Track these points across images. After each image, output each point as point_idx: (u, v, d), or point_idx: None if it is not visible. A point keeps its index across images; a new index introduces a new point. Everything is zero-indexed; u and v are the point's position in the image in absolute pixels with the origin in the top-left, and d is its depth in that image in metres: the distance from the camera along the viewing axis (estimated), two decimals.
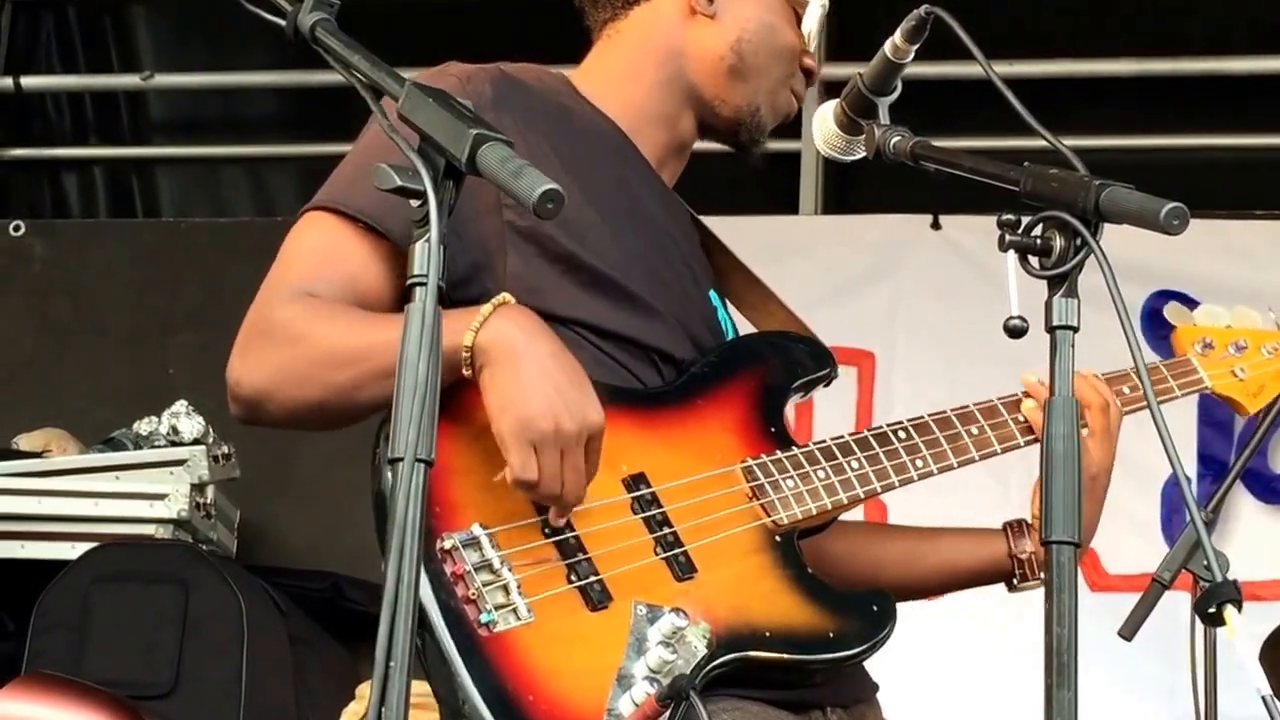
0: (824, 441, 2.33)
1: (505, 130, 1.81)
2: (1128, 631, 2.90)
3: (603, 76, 2.46)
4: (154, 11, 6.26)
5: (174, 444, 4.86)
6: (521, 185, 1.74)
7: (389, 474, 2.04)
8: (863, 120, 2.32)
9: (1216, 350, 2.63)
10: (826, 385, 2.45)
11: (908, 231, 5.29)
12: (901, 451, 2.35)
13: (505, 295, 2.11)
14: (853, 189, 5.69)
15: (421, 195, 1.76)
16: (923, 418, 2.40)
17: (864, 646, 2.20)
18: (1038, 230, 1.96)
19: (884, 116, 2.30)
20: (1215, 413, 4.83)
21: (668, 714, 1.97)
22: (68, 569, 4.49)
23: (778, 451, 2.29)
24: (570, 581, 2.08)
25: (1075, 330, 1.94)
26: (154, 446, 4.87)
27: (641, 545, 2.14)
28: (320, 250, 2.21)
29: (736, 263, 2.57)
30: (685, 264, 2.43)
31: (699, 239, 2.52)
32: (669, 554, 2.15)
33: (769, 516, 2.24)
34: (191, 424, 4.89)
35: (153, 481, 4.73)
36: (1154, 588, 2.85)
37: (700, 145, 2.53)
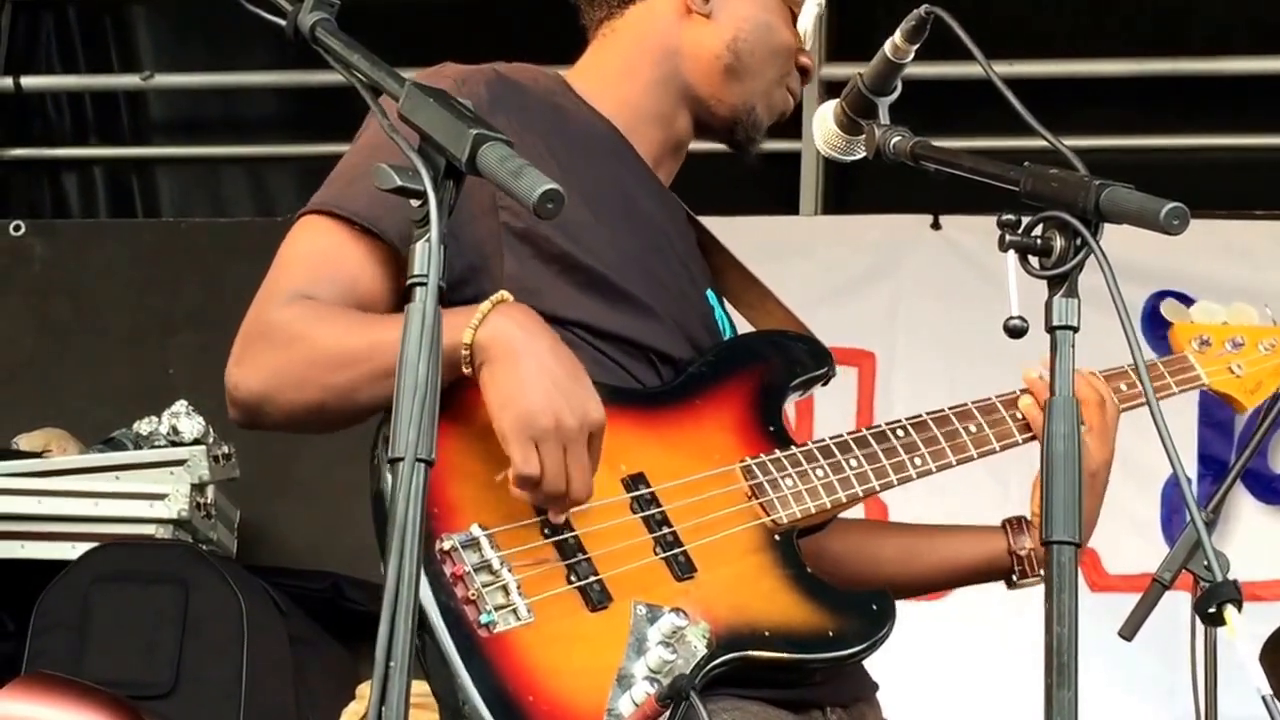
0: (823, 440, 2.33)
1: (501, 132, 1.81)
2: (1128, 631, 2.90)
3: (598, 76, 2.46)
4: (154, 11, 6.26)
5: (174, 444, 4.86)
6: (521, 185, 1.74)
7: (388, 474, 2.05)
8: (863, 120, 2.32)
9: (1213, 347, 2.63)
10: (824, 384, 2.45)
11: (908, 231, 5.29)
12: (900, 450, 2.35)
13: (504, 293, 2.11)
14: (853, 189, 5.69)
15: (422, 195, 1.76)
16: (921, 416, 2.40)
17: (864, 645, 2.20)
18: (1038, 230, 1.96)
19: (884, 116, 2.30)
20: (1216, 413, 4.83)
21: (668, 714, 1.97)
22: (68, 569, 4.49)
23: (776, 451, 2.29)
24: (570, 582, 2.08)
25: (1075, 330, 1.94)
26: (154, 446, 4.87)
27: (641, 545, 2.14)
28: (317, 253, 2.21)
29: (733, 261, 2.57)
30: (682, 263, 2.43)
31: (695, 238, 2.52)
32: (668, 554, 2.15)
33: (768, 516, 2.24)
34: (191, 424, 4.89)
35: (153, 481, 4.73)
36: (1154, 588, 2.85)
37: (701, 145, 2.53)
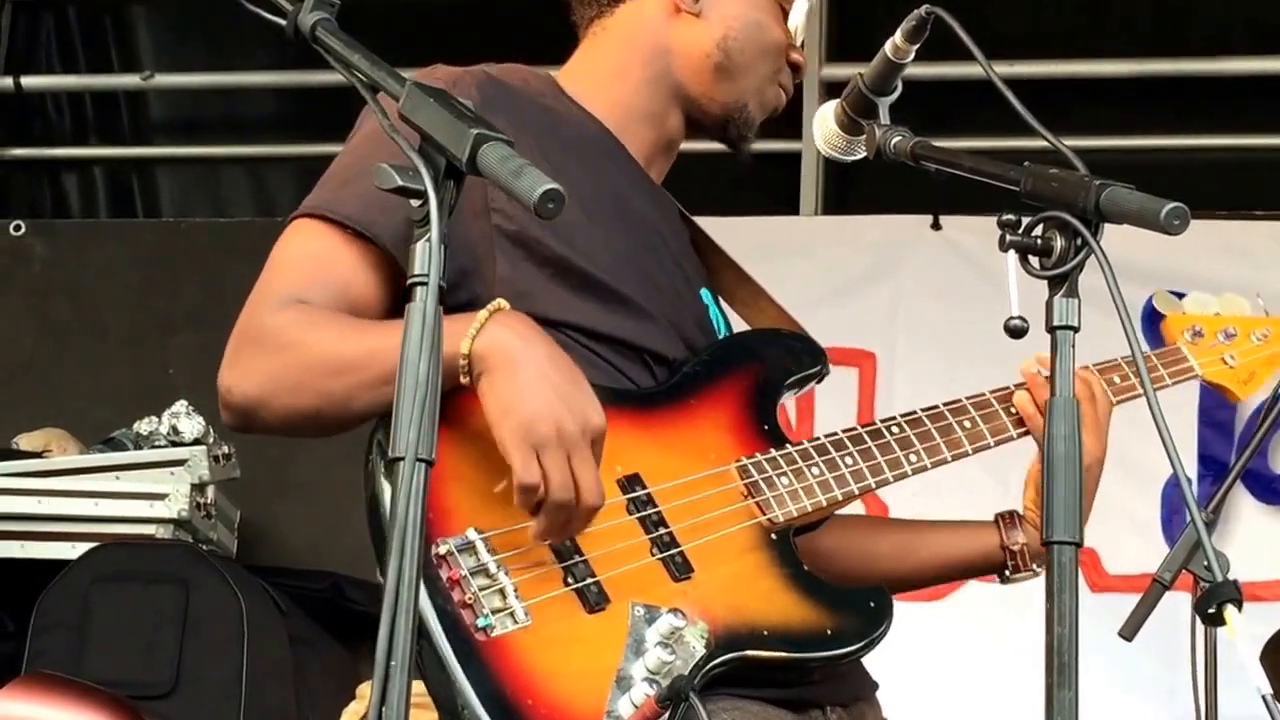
0: (818, 438, 2.33)
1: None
2: (1128, 631, 2.89)
3: (589, 75, 2.46)
4: (154, 11, 6.26)
5: (174, 444, 4.86)
6: (522, 185, 1.74)
7: (382, 479, 2.05)
8: (863, 120, 2.31)
9: (1206, 338, 2.63)
10: (819, 382, 2.45)
11: (908, 231, 5.29)
12: (895, 446, 2.35)
13: (500, 301, 2.11)
14: (853, 189, 5.69)
15: (422, 195, 1.76)
16: (916, 413, 2.40)
17: (862, 643, 2.19)
18: (1038, 230, 1.96)
19: (884, 116, 2.30)
20: (1216, 414, 4.83)
21: (667, 715, 1.97)
22: (68, 569, 4.49)
23: (771, 449, 2.29)
24: (567, 584, 2.08)
25: (1076, 330, 1.94)
26: (154, 446, 4.87)
27: (638, 546, 2.14)
28: (310, 257, 2.21)
29: (727, 259, 2.57)
30: (676, 263, 2.43)
31: (689, 236, 2.52)
32: (665, 554, 2.15)
33: (764, 515, 2.23)
34: (191, 424, 4.89)
35: (153, 481, 4.73)
36: (1154, 588, 2.85)
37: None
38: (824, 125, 2.38)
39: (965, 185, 2.14)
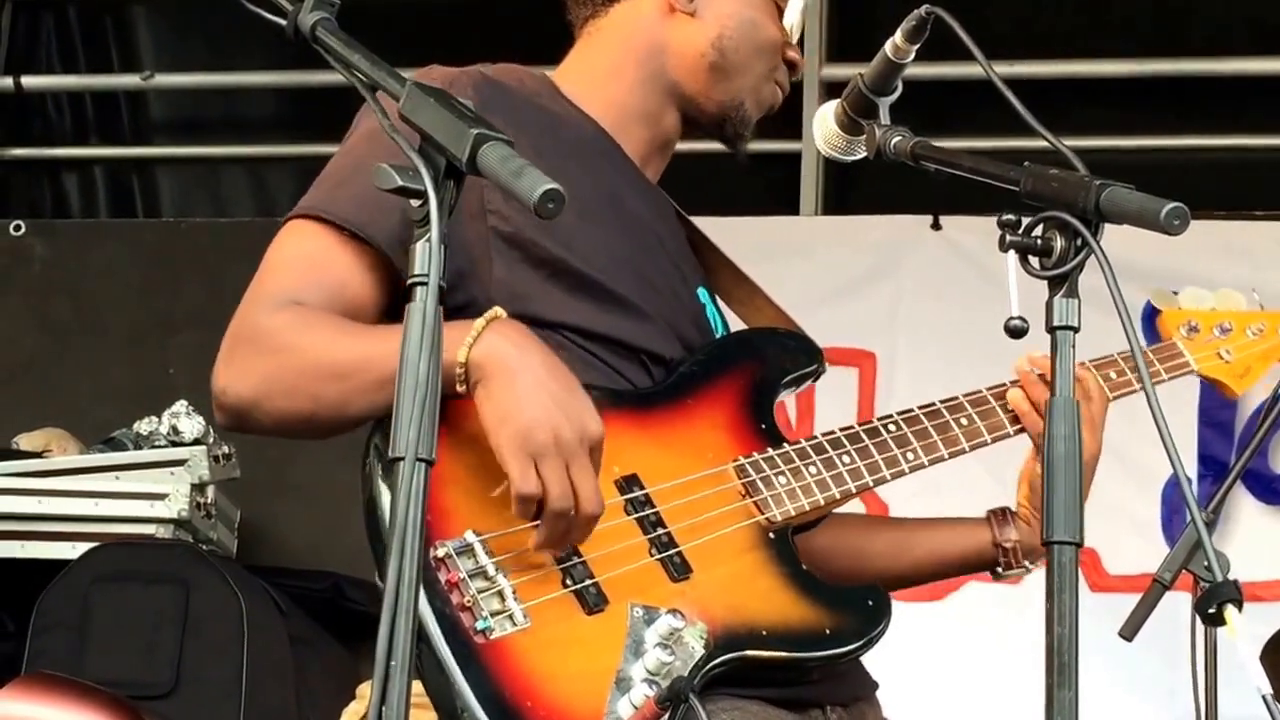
0: (815, 437, 2.33)
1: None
2: (1128, 632, 2.89)
3: (585, 75, 2.46)
4: (154, 11, 6.26)
5: (174, 444, 4.86)
6: (522, 185, 1.73)
7: (380, 482, 2.05)
8: (863, 120, 2.31)
9: (1202, 333, 2.63)
10: (815, 380, 2.45)
11: (908, 231, 5.29)
12: (891, 444, 2.35)
13: (497, 309, 2.10)
14: (853, 189, 5.69)
15: (422, 195, 1.76)
16: (912, 410, 2.40)
17: (860, 642, 2.20)
18: (1038, 230, 1.95)
19: (884, 116, 2.30)
20: (1216, 414, 4.83)
21: (667, 716, 1.97)
22: (68, 569, 4.49)
23: (769, 448, 2.29)
24: (566, 585, 2.07)
25: (1076, 330, 1.94)
26: (154, 446, 4.87)
27: (636, 547, 2.14)
28: (306, 258, 2.20)
29: (723, 258, 2.57)
30: (672, 263, 2.42)
31: (685, 235, 2.52)
32: (664, 555, 2.15)
33: (762, 514, 2.23)
34: (192, 424, 4.89)
35: (153, 481, 4.73)
36: (1154, 588, 2.85)
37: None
38: (824, 125, 2.38)
39: (965, 185, 2.14)
